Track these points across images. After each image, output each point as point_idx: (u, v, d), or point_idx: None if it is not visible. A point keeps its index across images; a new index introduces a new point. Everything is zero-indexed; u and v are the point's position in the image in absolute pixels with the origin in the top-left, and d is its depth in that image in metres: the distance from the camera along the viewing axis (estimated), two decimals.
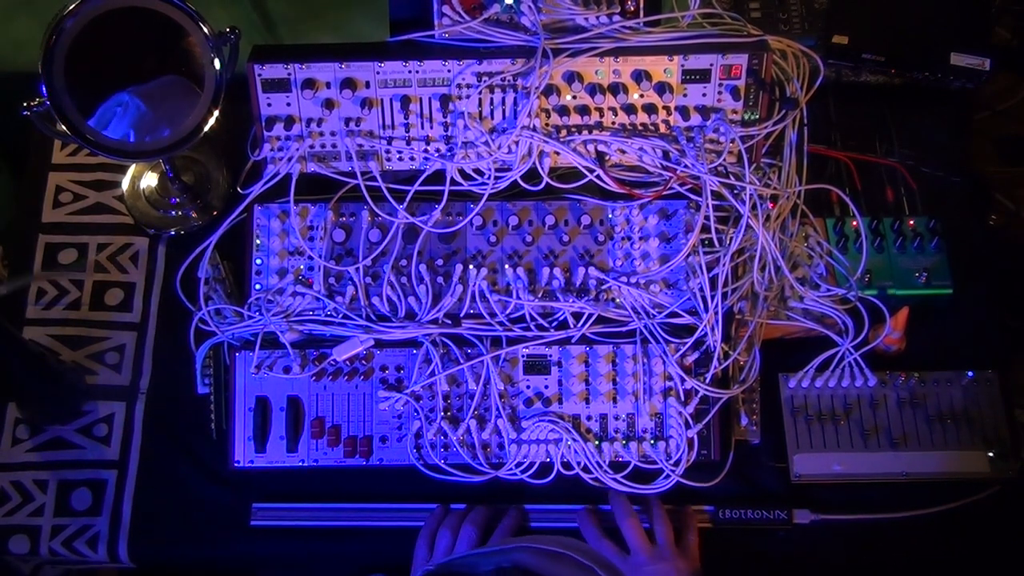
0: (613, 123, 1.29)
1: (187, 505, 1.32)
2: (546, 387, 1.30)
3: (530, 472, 1.28)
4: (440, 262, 1.33)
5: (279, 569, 1.35)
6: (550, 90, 1.26)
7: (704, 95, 1.28)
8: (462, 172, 1.31)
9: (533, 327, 1.31)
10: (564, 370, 1.30)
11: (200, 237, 1.34)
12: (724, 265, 1.27)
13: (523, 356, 1.31)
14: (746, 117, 1.29)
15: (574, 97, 1.27)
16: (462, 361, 1.29)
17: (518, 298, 1.31)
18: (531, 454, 1.28)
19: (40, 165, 1.52)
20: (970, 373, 1.33)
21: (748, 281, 1.28)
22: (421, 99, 1.28)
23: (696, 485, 1.27)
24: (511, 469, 1.28)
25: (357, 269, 1.31)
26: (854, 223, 1.39)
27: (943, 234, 1.40)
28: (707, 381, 1.27)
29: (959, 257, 1.39)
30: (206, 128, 1.26)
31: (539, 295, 1.31)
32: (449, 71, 1.26)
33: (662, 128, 1.30)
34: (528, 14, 1.24)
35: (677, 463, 1.27)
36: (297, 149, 1.30)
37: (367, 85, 1.27)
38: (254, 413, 1.30)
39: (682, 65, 1.26)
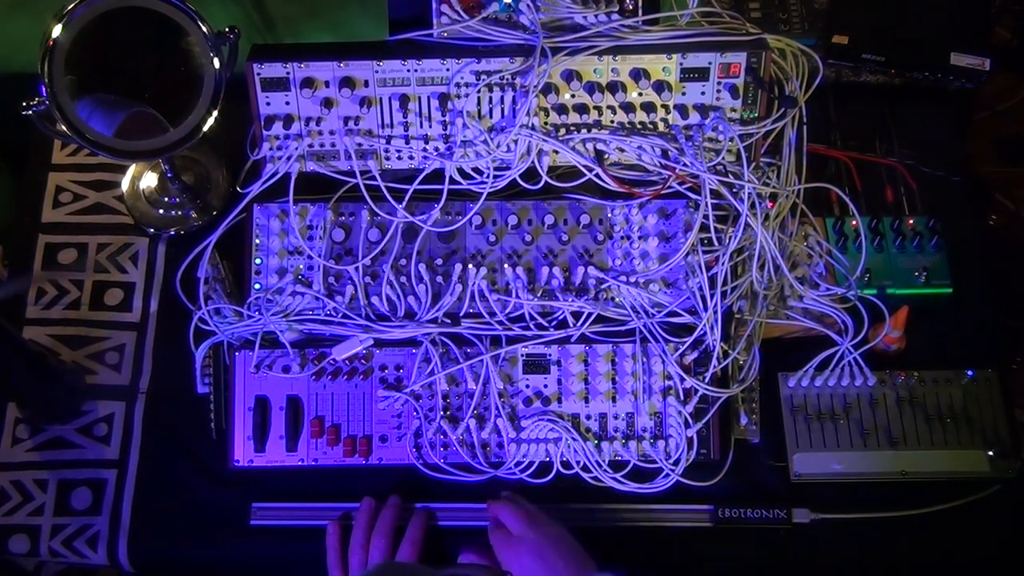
0: (612, 122, 1.29)
1: (187, 504, 1.32)
2: (545, 386, 1.30)
3: (529, 471, 1.28)
4: (439, 261, 1.33)
5: (279, 569, 1.34)
6: (549, 89, 1.26)
7: (703, 93, 1.28)
8: (461, 171, 1.31)
9: (532, 326, 1.31)
10: (563, 369, 1.30)
11: (200, 237, 1.34)
12: (723, 264, 1.27)
13: (522, 355, 1.31)
14: (745, 116, 1.29)
15: (573, 96, 1.27)
16: (461, 360, 1.29)
17: (517, 297, 1.31)
18: (530, 453, 1.28)
19: (40, 165, 1.52)
20: (970, 373, 1.33)
21: (747, 280, 1.28)
22: (420, 98, 1.28)
23: (695, 484, 1.27)
24: (510, 468, 1.28)
25: (356, 268, 1.31)
26: (853, 222, 1.39)
27: (943, 234, 1.39)
28: (706, 380, 1.27)
29: (959, 257, 1.39)
30: (205, 128, 1.27)
31: (538, 294, 1.31)
32: (448, 70, 1.26)
33: (661, 127, 1.30)
34: (527, 13, 1.25)
35: (676, 462, 1.27)
36: (296, 148, 1.30)
37: (366, 84, 1.27)
38: (254, 413, 1.30)
39: (681, 63, 1.26)
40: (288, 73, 1.26)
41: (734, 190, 1.26)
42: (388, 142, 1.31)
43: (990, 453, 1.29)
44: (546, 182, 1.31)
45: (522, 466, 1.28)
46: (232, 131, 1.40)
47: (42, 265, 1.45)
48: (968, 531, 1.28)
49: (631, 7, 1.27)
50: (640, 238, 1.33)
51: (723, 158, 1.28)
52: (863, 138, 1.50)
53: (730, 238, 1.27)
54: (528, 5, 1.24)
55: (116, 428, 1.37)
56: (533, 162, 1.30)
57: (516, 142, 1.29)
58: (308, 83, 1.26)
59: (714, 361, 1.27)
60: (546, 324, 1.31)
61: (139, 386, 1.39)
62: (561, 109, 1.28)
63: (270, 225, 1.35)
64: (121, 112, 1.28)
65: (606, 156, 1.30)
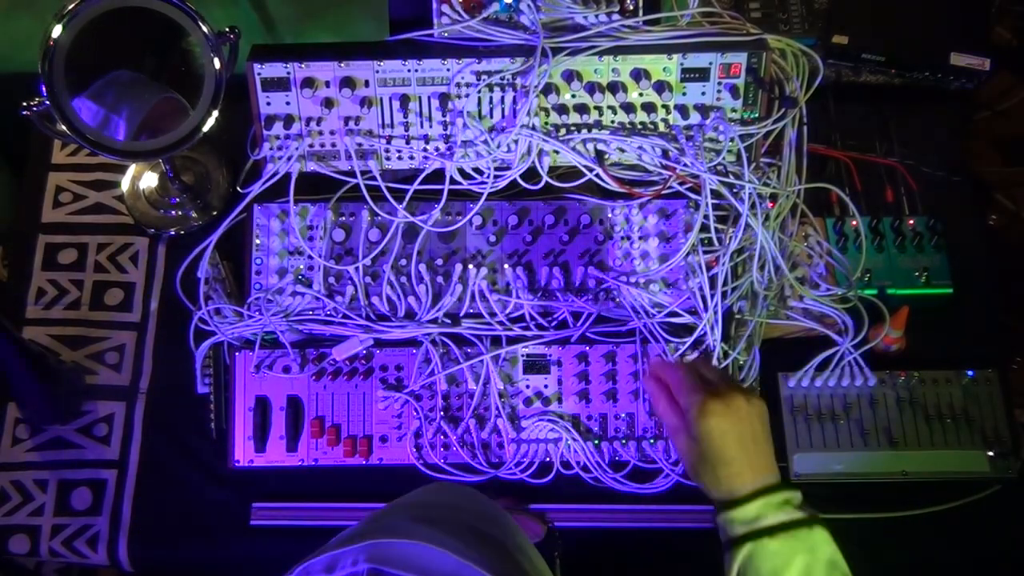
0: (612, 122, 1.29)
1: (187, 505, 1.32)
2: (545, 386, 1.30)
3: (530, 471, 1.28)
4: (440, 261, 1.33)
5: (279, 569, 1.34)
6: (549, 89, 1.26)
7: (703, 94, 1.28)
8: (461, 171, 1.31)
9: (532, 326, 1.31)
10: (563, 369, 1.30)
11: (200, 237, 1.34)
12: (723, 264, 1.27)
13: (523, 355, 1.31)
14: (745, 116, 1.29)
15: (573, 96, 1.27)
16: (462, 361, 1.29)
17: (517, 297, 1.31)
18: (531, 453, 1.28)
19: (40, 165, 1.52)
20: (970, 373, 1.33)
21: (747, 280, 1.28)
22: (420, 98, 1.28)
23: (696, 484, 1.27)
24: (511, 468, 1.28)
25: (357, 269, 1.31)
26: (854, 223, 1.39)
27: (943, 234, 1.40)
28: None
29: (959, 257, 1.39)
30: (205, 128, 1.26)
31: (538, 294, 1.31)
32: (448, 70, 1.26)
33: (661, 127, 1.30)
34: (527, 13, 1.24)
35: (677, 462, 1.27)
36: (296, 148, 1.30)
37: (366, 84, 1.27)
38: (254, 413, 1.30)
39: (681, 64, 1.26)
40: (288, 73, 1.26)
41: (734, 190, 1.26)
42: (388, 142, 1.31)
43: (990, 453, 1.29)
44: (546, 182, 1.31)
45: (522, 466, 1.28)
46: (232, 131, 1.40)
47: (42, 265, 1.45)
48: (968, 531, 1.28)
49: (632, 7, 1.26)
50: (640, 238, 1.33)
51: (723, 158, 1.28)
52: (863, 138, 1.50)
53: (730, 238, 1.27)
54: (529, 5, 1.24)
55: (116, 428, 1.37)
56: (533, 162, 1.30)
57: (516, 142, 1.29)
58: (308, 83, 1.26)
59: (714, 361, 1.27)
60: (546, 324, 1.31)
61: (139, 386, 1.39)
62: (561, 109, 1.28)
63: (270, 225, 1.35)
64: (151, 97, 1.29)
65: (606, 156, 1.30)
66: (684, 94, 1.28)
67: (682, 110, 1.29)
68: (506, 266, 1.33)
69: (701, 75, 1.27)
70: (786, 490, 1.00)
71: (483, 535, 0.67)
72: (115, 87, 1.26)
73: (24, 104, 1.19)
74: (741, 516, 0.98)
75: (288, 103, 1.28)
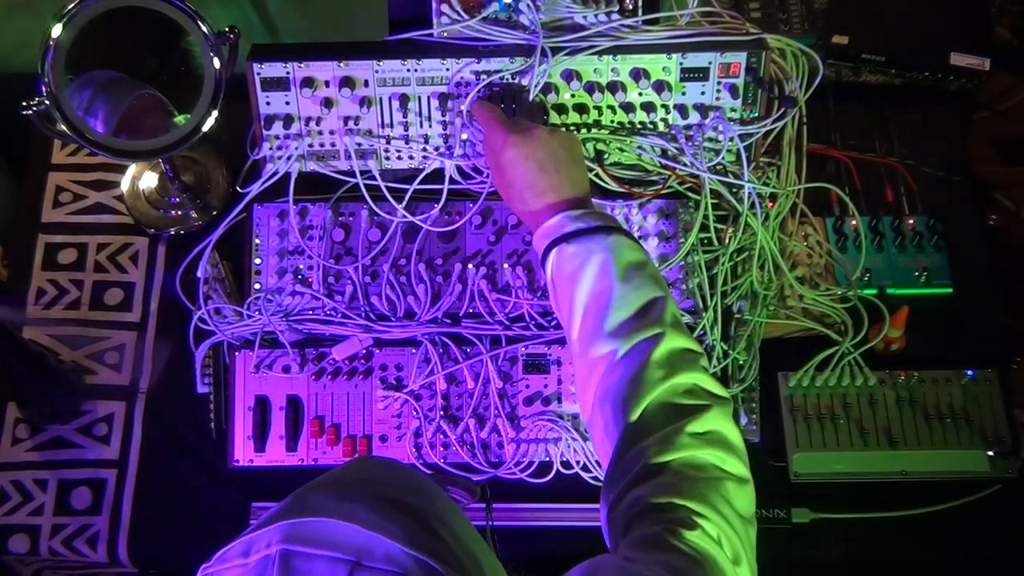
0: (612, 121, 1.29)
1: (187, 504, 1.32)
2: (545, 386, 1.30)
3: (529, 471, 1.28)
4: (439, 261, 1.33)
5: None
6: (548, 88, 1.26)
7: (703, 93, 1.28)
8: (461, 171, 1.31)
9: (532, 326, 1.31)
10: (563, 369, 1.30)
11: (200, 237, 1.34)
12: (723, 264, 1.27)
13: (522, 355, 1.31)
14: (745, 115, 1.29)
15: (572, 95, 1.27)
16: (461, 360, 1.29)
17: (517, 297, 1.31)
18: (530, 453, 1.28)
19: (40, 165, 1.52)
20: (970, 372, 1.33)
21: (747, 280, 1.28)
22: (420, 98, 1.28)
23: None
24: (510, 468, 1.28)
25: (356, 268, 1.31)
26: (853, 222, 1.39)
27: (943, 234, 1.40)
28: None
29: (959, 257, 1.39)
30: (205, 128, 1.26)
31: (538, 294, 1.31)
32: (448, 70, 1.26)
33: (661, 126, 1.30)
34: (527, 12, 1.24)
35: None
36: (296, 148, 1.30)
37: (366, 84, 1.27)
38: (254, 412, 1.30)
39: (680, 63, 1.26)
40: (288, 73, 1.26)
41: (734, 190, 1.27)
42: (388, 142, 1.31)
43: (990, 453, 1.29)
44: None
45: (522, 466, 1.28)
46: (232, 131, 1.40)
47: (42, 265, 1.45)
48: (968, 531, 1.28)
49: (631, 7, 1.26)
50: (640, 238, 1.33)
51: (723, 158, 1.28)
52: (863, 138, 1.50)
53: (730, 238, 1.27)
54: (528, 5, 1.23)
55: (116, 428, 1.37)
56: None
57: None
58: (308, 83, 1.26)
59: (714, 361, 1.27)
60: (546, 324, 1.31)
61: (139, 386, 1.39)
62: (561, 109, 1.28)
63: (270, 225, 1.35)
64: (128, 95, 1.29)
65: (606, 156, 1.30)
66: (683, 94, 1.28)
67: (681, 110, 1.29)
68: (506, 266, 1.33)
69: (700, 75, 1.27)
70: (589, 205, 1.06)
71: (400, 505, 0.69)
72: (91, 87, 1.25)
73: (24, 104, 1.19)
74: (544, 230, 1.04)
75: (288, 103, 1.28)
